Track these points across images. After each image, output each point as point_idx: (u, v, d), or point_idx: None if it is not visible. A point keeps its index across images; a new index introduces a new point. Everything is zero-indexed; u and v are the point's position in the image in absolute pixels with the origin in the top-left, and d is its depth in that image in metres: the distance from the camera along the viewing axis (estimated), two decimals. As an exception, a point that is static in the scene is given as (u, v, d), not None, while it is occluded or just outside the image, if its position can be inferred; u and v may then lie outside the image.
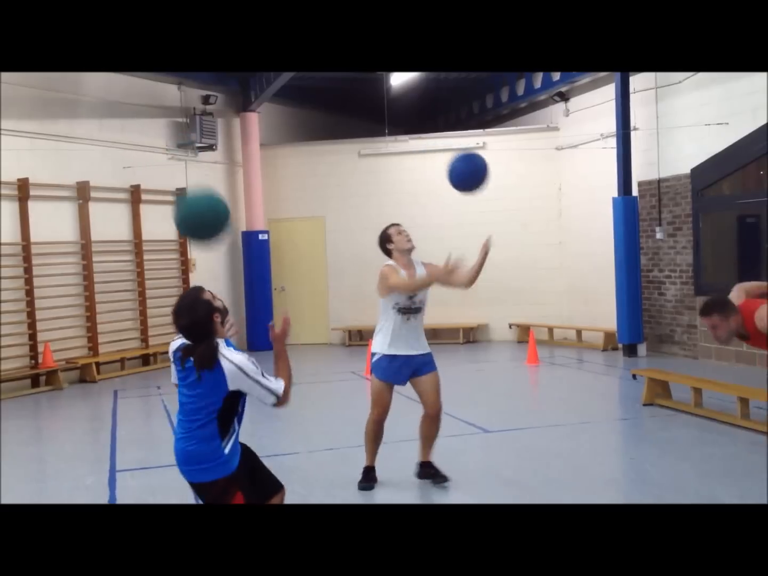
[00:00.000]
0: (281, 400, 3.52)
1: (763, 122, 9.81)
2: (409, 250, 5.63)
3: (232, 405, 3.49)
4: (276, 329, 3.57)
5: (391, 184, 14.80)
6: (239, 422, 3.60)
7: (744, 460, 5.54)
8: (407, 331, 5.54)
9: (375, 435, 5.70)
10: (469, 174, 5.42)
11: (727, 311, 4.50)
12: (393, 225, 5.72)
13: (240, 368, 3.45)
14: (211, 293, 3.58)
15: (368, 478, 5.74)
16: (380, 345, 5.56)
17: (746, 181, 10.88)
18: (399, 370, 5.55)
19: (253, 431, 7.70)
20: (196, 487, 3.57)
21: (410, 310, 5.53)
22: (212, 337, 3.48)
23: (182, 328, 3.50)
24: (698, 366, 10.44)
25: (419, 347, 5.61)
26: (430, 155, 14.66)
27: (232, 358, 3.47)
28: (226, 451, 3.49)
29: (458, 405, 8.36)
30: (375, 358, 5.60)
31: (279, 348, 3.61)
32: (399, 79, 14.18)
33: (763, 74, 9.75)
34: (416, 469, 5.78)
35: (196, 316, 3.47)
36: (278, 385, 3.52)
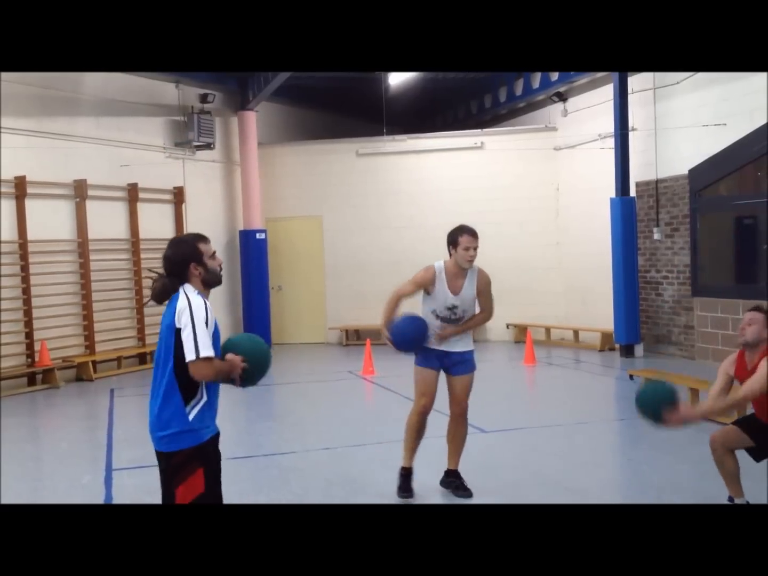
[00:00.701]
0: (198, 365, 3.30)
1: (761, 123, 9.81)
2: (464, 269, 5.41)
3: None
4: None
5: (389, 183, 14.79)
6: (210, 393, 3.47)
7: (742, 461, 5.51)
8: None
9: (418, 429, 5.48)
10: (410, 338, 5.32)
11: None
12: (467, 233, 5.34)
13: (190, 307, 3.36)
14: (212, 251, 3.57)
15: (407, 487, 5.50)
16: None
17: (744, 182, 10.89)
18: (436, 359, 5.45)
19: (250, 430, 7.70)
20: (159, 458, 3.46)
21: (449, 320, 5.42)
22: (179, 278, 3.49)
23: (163, 256, 3.55)
24: (695, 366, 10.44)
25: (458, 345, 5.47)
26: (428, 155, 14.67)
27: (191, 297, 3.41)
28: (191, 417, 3.39)
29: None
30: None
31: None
32: (397, 79, 14.17)
33: (761, 75, 9.76)
34: (442, 476, 5.68)
35: (176, 252, 3.52)
36: (208, 352, 3.32)
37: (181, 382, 3.38)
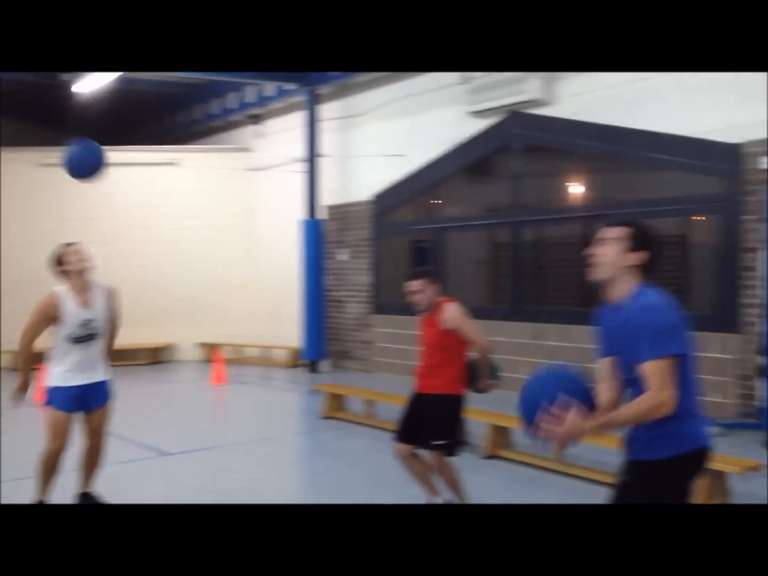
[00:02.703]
0: None
1: (435, 156, 10.77)
2: (84, 271, 5.11)
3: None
4: None
5: (78, 198, 13.94)
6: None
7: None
8: (83, 358, 5.10)
9: (54, 469, 5.12)
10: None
11: (434, 280, 4.96)
12: (69, 244, 5.17)
13: None
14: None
15: None
16: (56, 375, 5.07)
17: (420, 208, 11.86)
18: (77, 399, 5.09)
19: None
20: None
21: (84, 338, 5.07)
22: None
23: None
24: (373, 379, 11.10)
25: (97, 375, 5.19)
26: (120, 169, 14.07)
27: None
28: None
29: (138, 428, 8.09)
30: (50, 388, 5.08)
31: None
32: (87, 87, 13.45)
33: (440, 110, 10.73)
34: (77, 500, 5.37)
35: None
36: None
37: None
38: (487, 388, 5.04)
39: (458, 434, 5.04)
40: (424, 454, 5.02)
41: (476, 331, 5.03)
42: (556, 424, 2.79)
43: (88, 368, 5.14)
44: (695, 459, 2.90)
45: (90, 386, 5.14)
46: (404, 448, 5.08)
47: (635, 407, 2.78)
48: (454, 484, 5.03)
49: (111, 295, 5.28)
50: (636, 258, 2.91)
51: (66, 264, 5.10)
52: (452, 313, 4.90)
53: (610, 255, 2.93)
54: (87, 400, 5.15)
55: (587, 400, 2.91)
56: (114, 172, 13.79)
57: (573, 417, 2.78)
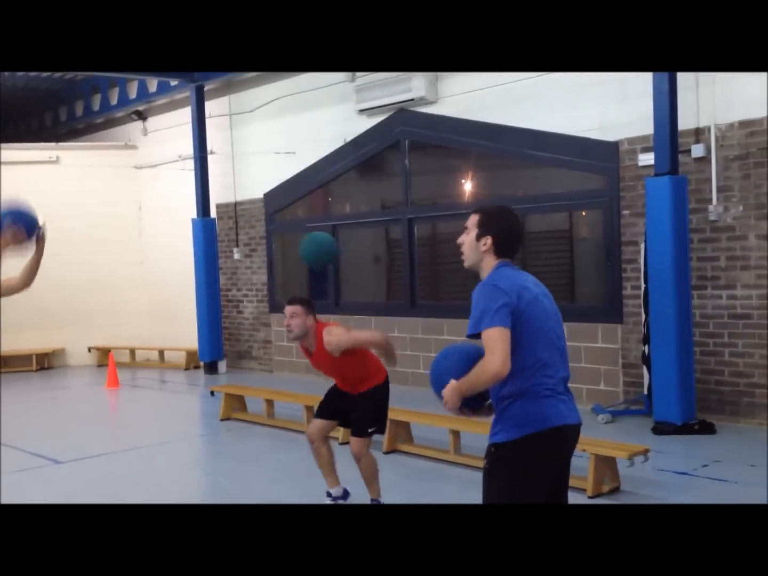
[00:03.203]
0: None
1: (327, 152, 10.81)
2: None
3: None
4: None
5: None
6: None
7: (307, 463, 5.99)
8: None
9: None
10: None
11: (310, 308, 4.99)
12: None
13: None
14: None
15: None
16: None
17: (315, 205, 11.88)
18: None
19: None
20: None
21: None
22: None
23: None
24: (273, 379, 11.07)
25: None
26: (-3, 167, 13.46)
27: None
28: None
29: (28, 437, 7.82)
30: None
31: None
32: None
33: (328, 108, 10.76)
34: None
35: None
36: None
37: None
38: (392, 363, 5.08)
39: (386, 417, 5.20)
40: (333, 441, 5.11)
41: (364, 335, 5.18)
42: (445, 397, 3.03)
43: None
44: (545, 439, 2.95)
45: None
46: (323, 425, 5.16)
47: (473, 372, 2.95)
48: (373, 473, 5.10)
49: None
50: (488, 241, 3.11)
51: None
52: (332, 336, 4.89)
53: (468, 242, 3.17)
54: None
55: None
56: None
57: (449, 388, 3.01)
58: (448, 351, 3.24)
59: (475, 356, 3.01)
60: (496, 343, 2.88)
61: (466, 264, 3.22)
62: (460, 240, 3.22)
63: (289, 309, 4.98)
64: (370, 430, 5.02)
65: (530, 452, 2.95)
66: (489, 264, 3.12)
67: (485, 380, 2.91)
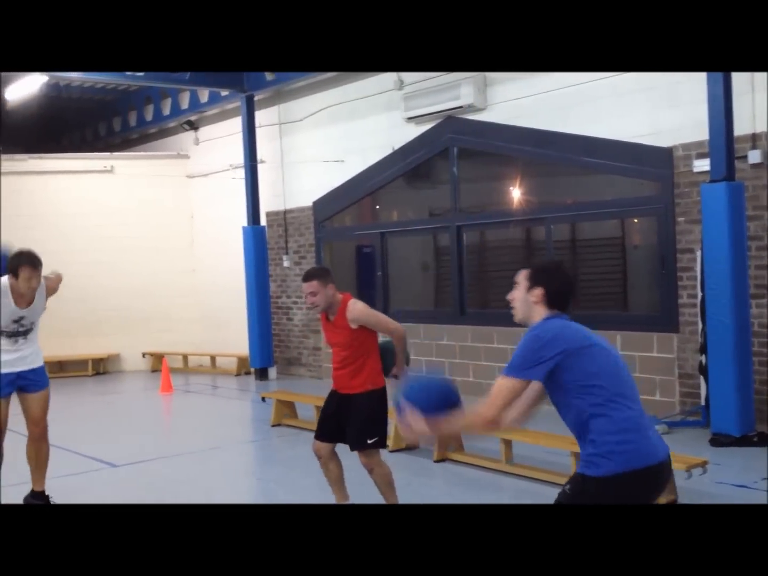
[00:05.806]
0: None
1: (374, 161, 10.86)
2: (31, 289, 5.28)
3: None
4: None
5: (10, 207, 13.59)
6: None
7: (358, 471, 5.99)
8: (16, 350, 5.29)
9: None
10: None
11: (325, 278, 4.84)
12: (27, 264, 5.15)
13: None
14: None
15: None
16: None
17: (363, 213, 11.94)
18: (7, 386, 5.26)
19: None
20: None
21: (18, 333, 5.30)
22: None
23: None
24: (323, 385, 11.10)
25: (29, 362, 5.36)
26: (53, 176, 13.81)
27: None
28: None
29: (84, 440, 7.98)
30: None
31: None
32: (16, 93, 13.15)
33: (378, 117, 10.82)
34: (28, 495, 5.46)
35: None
36: None
37: None
38: (401, 374, 4.96)
39: (386, 427, 5.02)
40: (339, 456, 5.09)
41: (386, 320, 5.05)
42: (406, 425, 3.07)
43: (20, 360, 5.31)
44: (636, 480, 2.86)
45: (20, 373, 5.32)
46: (326, 446, 5.07)
47: (464, 417, 3.02)
48: (388, 484, 4.97)
49: (51, 288, 5.54)
50: (536, 294, 3.08)
51: (17, 276, 5.19)
52: (357, 310, 4.80)
53: (518, 296, 3.15)
54: (21, 386, 5.35)
55: (449, 406, 3.09)
56: (47, 181, 13.69)
57: (411, 419, 3.03)
58: (415, 384, 3.26)
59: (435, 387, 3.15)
60: (501, 392, 2.90)
61: (517, 318, 3.19)
62: (509, 296, 3.20)
63: (306, 287, 4.81)
64: (369, 442, 4.86)
65: (619, 491, 2.86)
66: (539, 316, 3.08)
67: (475, 429, 3.08)
